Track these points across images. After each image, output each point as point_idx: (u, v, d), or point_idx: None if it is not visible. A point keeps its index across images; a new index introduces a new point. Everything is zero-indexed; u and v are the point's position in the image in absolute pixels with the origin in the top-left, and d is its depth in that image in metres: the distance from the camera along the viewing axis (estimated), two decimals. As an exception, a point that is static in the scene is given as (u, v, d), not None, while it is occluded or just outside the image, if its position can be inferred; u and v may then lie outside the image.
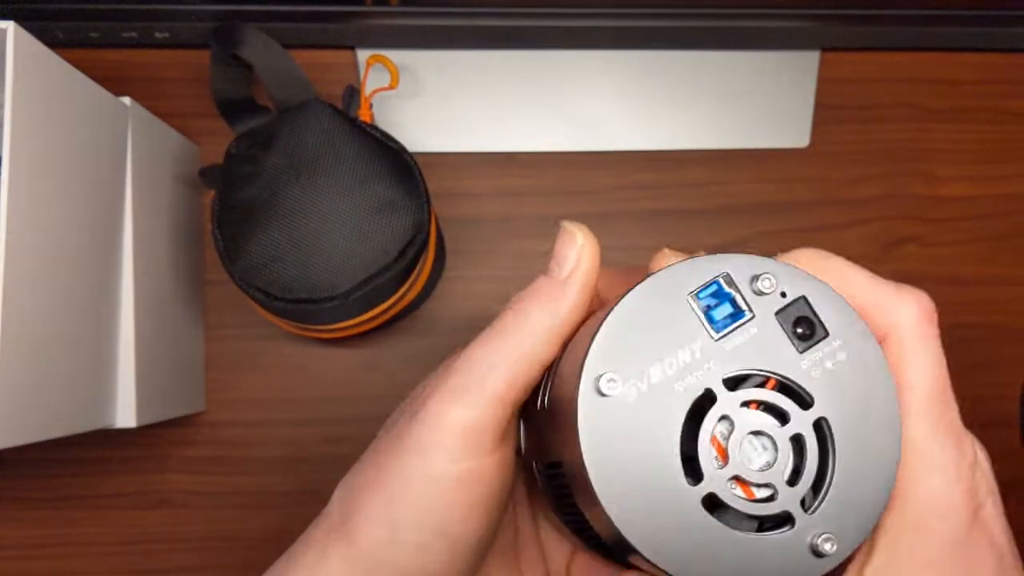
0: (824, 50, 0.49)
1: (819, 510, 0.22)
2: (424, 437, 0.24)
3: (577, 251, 0.25)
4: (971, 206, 0.50)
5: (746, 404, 0.22)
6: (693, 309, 0.22)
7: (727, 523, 0.22)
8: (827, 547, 0.21)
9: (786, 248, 0.24)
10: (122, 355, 0.39)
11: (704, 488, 0.22)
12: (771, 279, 0.22)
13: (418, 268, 0.42)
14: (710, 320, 0.22)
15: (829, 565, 0.21)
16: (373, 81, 0.44)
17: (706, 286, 0.22)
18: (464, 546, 0.25)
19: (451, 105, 0.48)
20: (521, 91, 0.48)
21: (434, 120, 0.48)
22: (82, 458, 0.46)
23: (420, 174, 0.41)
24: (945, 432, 0.23)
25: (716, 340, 0.22)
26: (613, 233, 0.48)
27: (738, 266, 0.22)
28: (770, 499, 0.22)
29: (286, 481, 0.47)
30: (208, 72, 0.42)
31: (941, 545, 0.22)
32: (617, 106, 0.49)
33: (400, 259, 0.40)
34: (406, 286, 0.41)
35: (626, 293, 0.22)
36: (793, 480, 0.22)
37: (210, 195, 0.45)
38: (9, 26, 0.30)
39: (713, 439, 0.22)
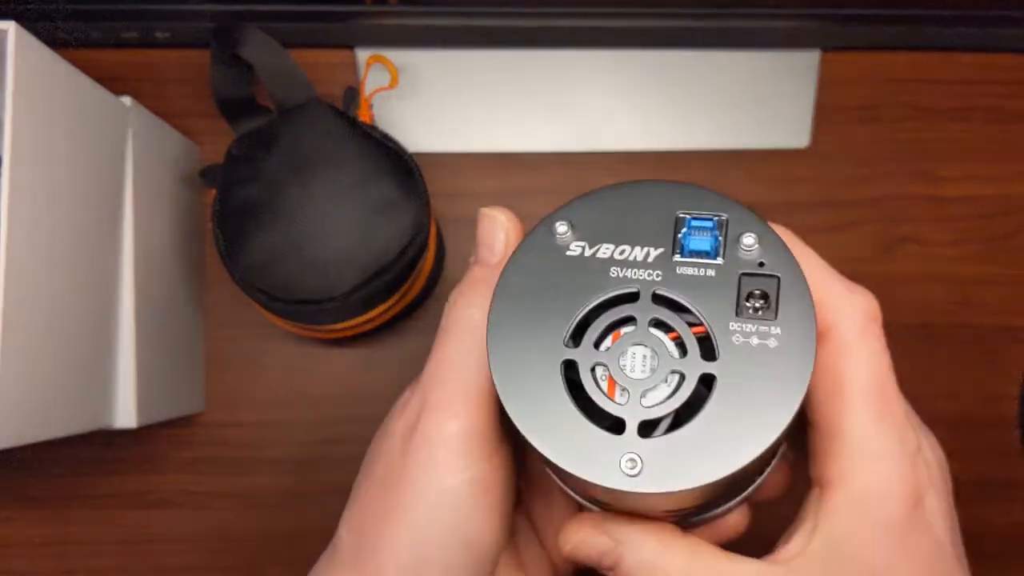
0: (824, 50, 0.49)
1: (652, 440, 0.22)
2: (427, 456, 0.24)
3: (504, 232, 0.25)
4: (971, 206, 0.50)
5: (664, 327, 0.22)
6: (674, 225, 0.23)
7: (573, 397, 0.22)
8: (627, 467, 0.21)
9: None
10: (122, 355, 0.39)
11: (573, 354, 0.22)
12: (755, 240, 0.23)
13: (418, 268, 0.42)
14: (682, 243, 0.23)
15: (624, 487, 0.21)
16: (373, 81, 0.44)
17: (700, 218, 0.23)
18: (485, 555, 0.25)
19: (451, 105, 0.48)
20: (521, 91, 0.48)
21: (434, 120, 0.48)
22: (82, 458, 0.46)
23: (420, 174, 0.41)
24: (888, 424, 0.23)
25: (673, 260, 0.23)
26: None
27: (740, 221, 0.23)
28: (620, 405, 0.22)
29: (286, 481, 0.47)
30: (208, 72, 0.42)
31: (878, 527, 0.23)
32: (617, 106, 0.49)
33: (400, 259, 0.40)
34: (406, 286, 0.42)
35: (634, 181, 0.23)
36: (651, 406, 0.22)
37: (210, 195, 0.45)
38: (9, 26, 0.30)
39: (616, 335, 0.23)
